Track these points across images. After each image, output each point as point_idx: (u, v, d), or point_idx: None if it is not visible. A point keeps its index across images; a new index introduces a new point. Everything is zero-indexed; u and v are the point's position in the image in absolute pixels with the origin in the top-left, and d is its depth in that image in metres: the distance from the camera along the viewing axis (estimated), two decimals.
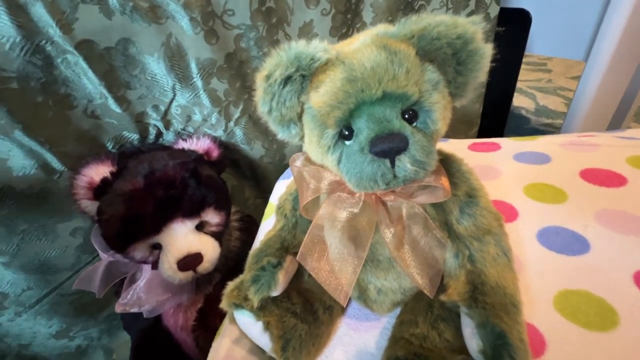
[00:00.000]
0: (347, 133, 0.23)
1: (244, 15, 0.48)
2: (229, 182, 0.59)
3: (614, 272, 0.30)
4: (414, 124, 0.22)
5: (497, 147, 0.52)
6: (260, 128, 0.59)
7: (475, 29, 0.21)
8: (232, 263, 0.51)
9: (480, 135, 0.81)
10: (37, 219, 0.47)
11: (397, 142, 0.20)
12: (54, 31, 0.39)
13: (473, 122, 0.77)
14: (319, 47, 0.22)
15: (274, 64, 0.22)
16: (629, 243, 0.32)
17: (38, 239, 0.48)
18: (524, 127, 1.16)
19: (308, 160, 0.27)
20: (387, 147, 0.20)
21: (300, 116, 0.24)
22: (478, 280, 0.25)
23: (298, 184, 0.27)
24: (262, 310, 0.28)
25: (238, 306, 0.28)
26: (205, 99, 0.51)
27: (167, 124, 0.53)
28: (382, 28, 0.23)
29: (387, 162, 0.21)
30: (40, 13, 0.38)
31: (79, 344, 0.60)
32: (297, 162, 0.28)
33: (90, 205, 0.44)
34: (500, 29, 0.68)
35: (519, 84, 0.86)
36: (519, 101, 1.30)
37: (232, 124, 0.56)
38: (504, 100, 0.83)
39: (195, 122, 0.54)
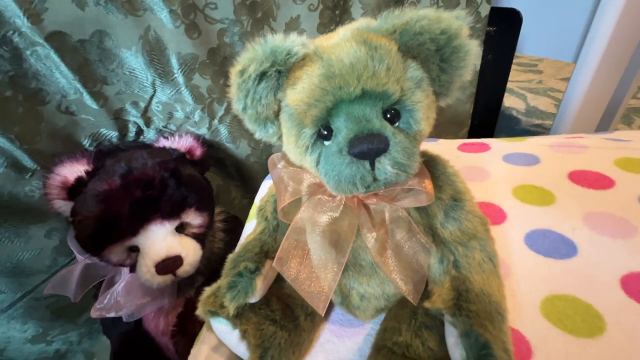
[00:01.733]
0: (325, 133, 0.21)
1: (227, 9, 0.46)
2: (214, 182, 0.58)
3: (601, 277, 0.30)
4: (396, 124, 0.21)
5: (486, 147, 0.51)
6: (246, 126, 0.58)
7: (460, 24, 0.20)
8: (215, 265, 0.50)
9: (471, 135, 0.80)
10: (8, 220, 0.45)
11: (376, 143, 0.19)
12: (21, 21, 0.37)
13: (463, 123, 0.77)
14: (297, 41, 0.21)
15: (248, 58, 0.21)
16: (617, 247, 0.32)
17: (10, 241, 0.46)
18: (515, 128, 1.16)
19: (288, 161, 0.26)
20: (366, 148, 0.19)
21: (277, 114, 0.23)
22: (463, 287, 0.24)
23: (276, 186, 0.26)
24: (239, 317, 0.27)
25: (214, 314, 0.27)
26: (187, 96, 0.50)
27: (148, 121, 0.51)
28: (363, 22, 0.22)
29: (367, 164, 0.20)
30: (5, 2, 0.36)
31: (57, 348, 0.58)
32: (277, 163, 0.27)
33: (64, 206, 0.42)
34: (491, 28, 0.67)
35: (509, 85, 0.86)
36: (509, 102, 1.31)
37: (216, 121, 0.55)
38: (495, 101, 0.83)
39: (177, 120, 0.53)
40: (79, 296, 0.46)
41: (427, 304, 0.24)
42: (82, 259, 0.45)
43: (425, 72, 0.21)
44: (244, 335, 0.27)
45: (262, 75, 0.21)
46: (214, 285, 0.28)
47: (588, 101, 0.74)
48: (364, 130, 0.20)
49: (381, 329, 0.29)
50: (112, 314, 0.44)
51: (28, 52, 0.39)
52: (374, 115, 0.20)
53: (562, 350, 0.26)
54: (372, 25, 0.22)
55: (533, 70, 1.59)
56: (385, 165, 0.20)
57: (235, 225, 0.54)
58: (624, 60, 0.71)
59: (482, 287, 0.24)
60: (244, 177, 0.64)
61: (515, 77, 1.51)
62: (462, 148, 0.52)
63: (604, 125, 0.81)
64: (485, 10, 0.63)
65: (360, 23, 0.22)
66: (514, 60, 0.77)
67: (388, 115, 0.21)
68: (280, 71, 0.21)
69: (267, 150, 0.62)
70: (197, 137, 0.50)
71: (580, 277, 0.30)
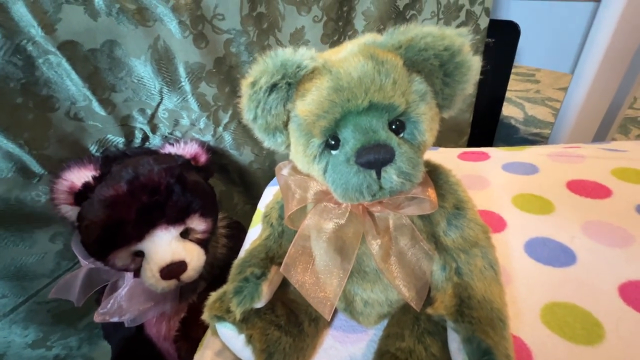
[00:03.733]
0: (333, 143, 0.22)
1: (234, 20, 0.48)
2: (217, 188, 0.58)
3: (600, 285, 0.30)
4: (401, 135, 0.22)
5: (486, 156, 0.52)
6: (250, 133, 0.57)
7: (462, 41, 0.21)
8: (218, 271, 0.50)
9: (471, 143, 0.82)
10: (13, 224, 0.46)
11: (383, 153, 0.20)
12: (35, 31, 0.38)
13: (463, 131, 0.78)
14: (306, 55, 0.21)
15: (259, 70, 0.22)
16: (615, 255, 0.32)
17: (14, 245, 0.47)
18: (513, 137, 1.18)
19: (295, 169, 0.27)
20: (373, 158, 0.20)
21: (286, 124, 0.24)
22: (465, 293, 0.24)
23: (284, 194, 0.27)
24: (245, 322, 0.27)
25: (220, 318, 0.27)
26: (193, 104, 0.51)
27: (154, 128, 0.52)
28: (370, 37, 0.23)
29: (373, 173, 0.20)
30: (21, 12, 0.37)
31: (57, 353, 0.58)
32: (284, 170, 0.28)
33: (70, 211, 0.42)
34: (490, 40, 0.69)
35: (508, 94, 0.87)
36: (508, 111, 1.33)
37: (221, 129, 0.55)
38: (494, 110, 0.84)
39: (183, 127, 0.53)
40: (82, 301, 0.46)
41: (429, 310, 0.25)
42: (86, 264, 0.46)
43: (429, 86, 0.22)
44: (249, 340, 0.27)
45: (273, 87, 0.21)
46: (220, 290, 0.29)
47: (585, 111, 0.75)
48: (371, 140, 0.20)
49: (384, 335, 0.29)
50: (115, 319, 0.44)
51: (40, 61, 0.40)
52: (380, 127, 0.21)
53: (562, 357, 0.26)
54: (379, 40, 0.22)
55: (531, 80, 1.61)
56: (391, 175, 0.20)
57: (237, 231, 0.55)
58: (621, 70, 0.72)
59: (484, 293, 0.24)
60: (247, 183, 0.65)
61: (514, 87, 1.54)
62: (462, 157, 0.53)
63: (601, 135, 0.82)
64: (484, 22, 0.64)
65: (367, 38, 0.23)
66: (512, 70, 0.78)
67: (393, 127, 0.22)
68: (290, 83, 0.21)
69: (269, 157, 0.63)
70: (202, 144, 0.51)
71: (579, 285, 0.31)
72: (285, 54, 0.21)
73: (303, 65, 0.21)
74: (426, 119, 0.22)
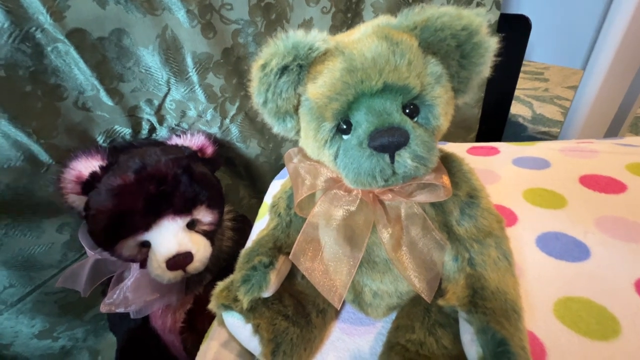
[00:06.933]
0: (345, 127, 0.22)
1: (243, 10, 0.47)
2: (223, 181, 0.58)
3: (615, 280, 0.30)
4: (415, 119, 0.21)
5: (496, 151, 0.51)
6: (257, 126, 0.58)
7: (480, 21, 0.20)
8: (223, 263, 0.50)
9: (479, 140, 0.80)
10: (21, 214, 0.46)
11: (397, 136, 0.19)
12: (44, 18, 0.38)
13: (472, 127, 0.77)
14: (318, 37, 0.21)
15: (270, 53, 0.21)
16: (630, 250, 0.32)
17: (22, 234, 0.47)
18: (521, 135, 1.16)
19: (304, 156, 0.26)
20: (387, 141, 0.19)
21: (296, 109, 0.23)
22: (478, 284, 0.24)
23: (293, 180, 0.26)
24: (252, 312, 0.27)
25: (227, 307, 0.27)
26: (200, 95, 0.50)
27: (161, 119, 0.52)
28: (383, 19, 0.23)
29: (387, 157, 0.20)
30: None
31: (63, 344, 0.58)
32: (293, 158, 0.27)
33: (77, 200, 0.42)
34: (499, 34, 0.68)
35: (516, 92, 0.86)
36: (516, 109, 1.31)
37: (227, 121, 0.55)
38: (503, 106, 0.83)
39: (189, 118, 0.53)
40: (88, 291, 0.47)
41: (441, 302, 0.24)
42: (92, 254, 0.46)
43: (445, 68, 0.21)
44: (256, 329, 0.26)
45: (284, 70, 0.21)
46: (227, 280, 0.28)
47: (596, 108, 0.74)
48: (385, 123, 0.20)
49: (394, 327, 0.29)
50: (120, 310, 0.44)
51: (49, 49, 0.40)
52: (394, 109, 0.20)
53: (577, 352, 0.25)
54: (393, 22, 0.22)
55: (539, 79, 1.59)
56: (405, 159, 0.20)
57: (243, 225, 0.55)
58: (633, 67, 0.71)
59: (498, 284, 0.24)
60: (253, 176, 0.65)
61: (522, 85, 1.52)
62: (471, 151, 0.52)
63: (611, 134, 0.81)
64: (494, 16, 0.63)
65: (381, 20, 0.23)
66: (521, 68, 0.77)
67: (407, 110, 0.21)
68: (301, 65, 0.21)
69: (276, 150, 0.63)
70: (209, 136, 0.51)
71: (594, 280, 0.30)
72: (297, 36, 0.21)
73: (315, 47, 0.21)
74: (441, 103, 0.21)
